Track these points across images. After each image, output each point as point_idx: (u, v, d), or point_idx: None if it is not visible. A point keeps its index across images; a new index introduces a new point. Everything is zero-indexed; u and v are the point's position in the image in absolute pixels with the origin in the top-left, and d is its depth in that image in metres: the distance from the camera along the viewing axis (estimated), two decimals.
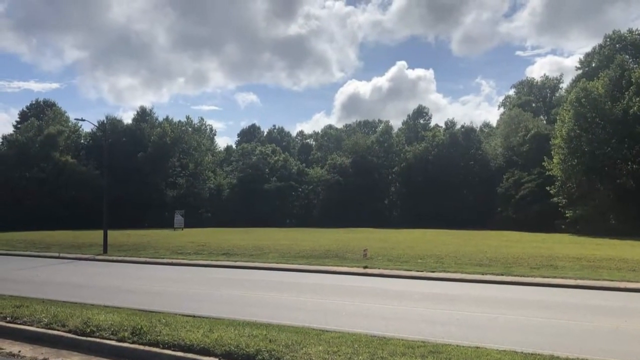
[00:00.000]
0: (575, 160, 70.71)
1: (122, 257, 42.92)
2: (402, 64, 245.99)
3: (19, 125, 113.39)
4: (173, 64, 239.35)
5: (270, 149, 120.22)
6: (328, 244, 45.79)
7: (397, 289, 26.13)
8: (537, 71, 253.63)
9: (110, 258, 42.66)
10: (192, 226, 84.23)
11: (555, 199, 76.30)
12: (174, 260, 39.67)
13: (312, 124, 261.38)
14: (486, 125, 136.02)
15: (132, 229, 76.79)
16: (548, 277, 28.62)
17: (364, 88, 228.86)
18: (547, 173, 76.82)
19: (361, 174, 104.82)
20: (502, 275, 29.55)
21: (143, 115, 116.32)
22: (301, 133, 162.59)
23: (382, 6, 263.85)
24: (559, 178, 74.70)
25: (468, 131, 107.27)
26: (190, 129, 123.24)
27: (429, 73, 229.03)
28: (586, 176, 70.59)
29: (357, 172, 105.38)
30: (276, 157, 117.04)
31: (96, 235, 54.64)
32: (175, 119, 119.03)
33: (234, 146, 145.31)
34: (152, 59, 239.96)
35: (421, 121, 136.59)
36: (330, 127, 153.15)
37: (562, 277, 28.53)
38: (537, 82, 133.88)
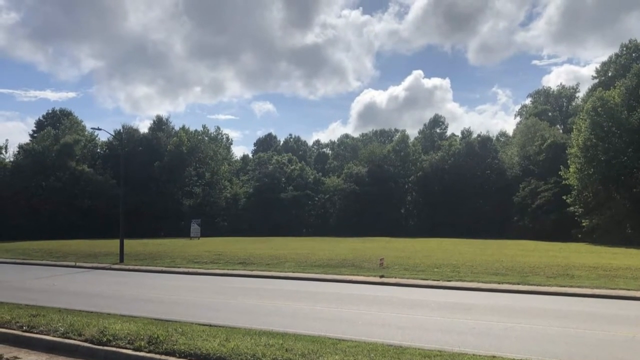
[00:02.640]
0: (592, 170, 70.65)
1: (138, 266, 43.05)
2: (418, 73, 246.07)
3: (36, 135, 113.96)
4: (189, 73, 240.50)
5: (286, 158, 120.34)
6: (344, 253, 45.81)
7: (414, 298, 26.12)
8: (554, 80, 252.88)
9: (127, 267, 42.79)
10: (208, 235, 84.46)
11: (571, 208, 76.24)
12: (190, 270, 39.75)
13: (329, 133, 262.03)
14: (502, 134, 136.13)
15: (148, 238, 77.12)
16: (564, 287, 28.57)
17: (380, 97, 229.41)
18: (564, 182, 76.87)
19: (377, 183, 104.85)
20: (519, 284, 29.49)
21: (159, 124, 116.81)
22: (317, 142, 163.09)
23: (398, 15, 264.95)
24: (575, 187, 74.80)
25: (484, 140, 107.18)
26: (206, 138, 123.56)
27: (446, 82, 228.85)
28: (602, 185, 70.43)
29: (374, 181, 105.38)
30: (292, 166, 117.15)
31: (112, 244, 54.86)
32: (192, 128, 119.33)
33: (250, 155, 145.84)
34: (168, 68, 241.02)
35: (437, 130, 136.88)
36: (346, 136, 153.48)
37: (578, 287, 28.47)
38: (553, 91, 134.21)
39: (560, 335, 17.47)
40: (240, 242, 66.53)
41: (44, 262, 47.79)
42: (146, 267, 42.17)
